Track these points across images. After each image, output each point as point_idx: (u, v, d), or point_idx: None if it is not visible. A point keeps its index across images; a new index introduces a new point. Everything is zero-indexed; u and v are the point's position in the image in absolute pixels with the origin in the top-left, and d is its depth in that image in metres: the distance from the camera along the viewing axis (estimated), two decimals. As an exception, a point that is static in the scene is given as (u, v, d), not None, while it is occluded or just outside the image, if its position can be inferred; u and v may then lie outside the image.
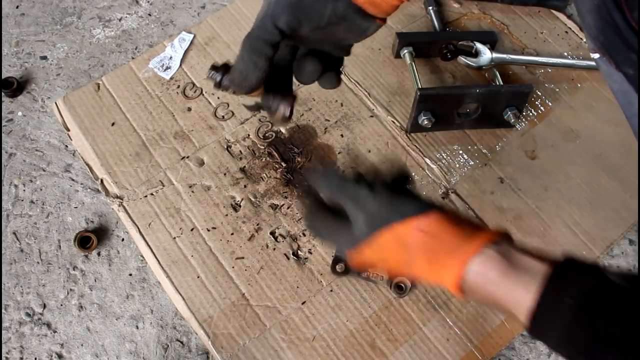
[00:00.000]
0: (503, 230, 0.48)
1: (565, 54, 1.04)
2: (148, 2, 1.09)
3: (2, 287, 0.82)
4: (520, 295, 0.44)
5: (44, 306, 0.82)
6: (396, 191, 0.49)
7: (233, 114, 0.94)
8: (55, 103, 0.94)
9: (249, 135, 0.92)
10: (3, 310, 0.81)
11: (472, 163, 0.92)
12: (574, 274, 0.43)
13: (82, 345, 0.79)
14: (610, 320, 0.41)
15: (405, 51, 0.98)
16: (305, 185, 0.56)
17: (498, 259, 0.45)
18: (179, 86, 0.96)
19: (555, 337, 0.43)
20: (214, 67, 0.55)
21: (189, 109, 0.94)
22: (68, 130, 0.92)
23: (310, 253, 0.84)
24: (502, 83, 0.96)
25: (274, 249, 0.84)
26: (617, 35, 0.56)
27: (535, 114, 0.97)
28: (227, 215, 0.86)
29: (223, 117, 0.94)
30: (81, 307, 0.82)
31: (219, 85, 0.55)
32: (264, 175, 0.89)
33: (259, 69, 0.49)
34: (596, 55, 0.61)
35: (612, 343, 0.41)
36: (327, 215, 0.53)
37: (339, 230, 0.51)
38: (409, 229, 0.47)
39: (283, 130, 0.93)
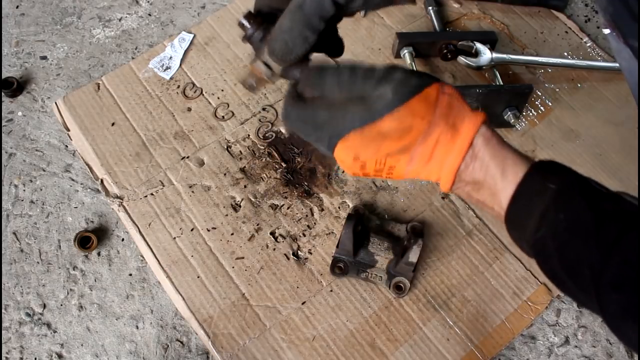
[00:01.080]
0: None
1: (565, 54, 1.04)
2: (148, 2, 1.09)
3: (2, 287, 0.82)
4: (510, 173, 0.47)
5: (44, 306, 0.82)
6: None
7: (233, 114, 0.94)
8: (55, 103, 0.94)
9: (249, 135, 0.92)
10: (3, 310, 0.81)
11: (472, 163, 0.92)
12: (558, 167, 0.47)
13: (82, 345, 0.79)
14: (586, 208, 0.44)
15: (405, 51, 0.98)
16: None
17: (490, 136, 0.48)
18: (179, 86, 0.96)
19: (534, 220, 0.46)
20: (249, 17, 0.50)
21: (189, 109, 0.94)
22: (68, 130, 0.92)
23: (310, 253, 0.84)
24: (502, 83, 0.96)
25: (274, 249, 0.84)
26: (625, 6, 0.57)
27: (535, 114, 0.97)
28: (227, 215, 0.86)
29: (223, 117, 0.94)
30: (81, 307, 0.82)
31: (248, 38, 0.51)
32: (264, 175, 0.89)
33: (308, 43, 0.48)
34: (607, 31, 0.62)
35: (584, 230, 0.43)
36: (324, 100, 0.50)
37: (348, 106, 0.48)
38: (436, 90, 0.48)
39: (283, 130, 0.93)
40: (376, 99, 0.47)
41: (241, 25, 0.51)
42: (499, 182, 0.48)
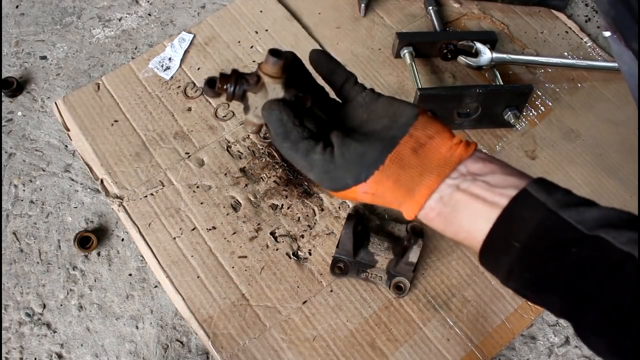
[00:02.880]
0: (456, 155, 0.47)
1: (565, 54, 1.04)
2: (148, 2, 1.09)
3: (2, 287, 0.82)
4: (468, 237, 0.46)
5: (44, 306, 0.81)
6: (338, 143, 0.48)
7: (233, 114, 0.94)
8: (55, 103, 0.94)
9: (249, 135, 0.92)
10: (3, 310, 0.80)
11: (472, 163, 0.92)
12: (529, 211, 0.43)
13: (82, 345, 0.79)
14: (554, 265, 0.42)
15: (405, 51, 0.98)
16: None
17: (439, 210, 0.46)
18: (179, 86, 0.96)
19: (502, 273, 0.45)
20: (221, 80, 0.51)
21: (189, 109, 0.94)
22: (68, 130, 0.92)
23: (310, 253, 0.84)
24: (502, 83, 0.96)
25: (275, 249, 0.84)
26: (627, 9, 0.57)
27: (535, 114, 0.97)
28: (227, 215, 0.86)
29: (223, 117, 0.94)
30: (81, 307, 0.82)
31: (231, 97, 0.51)
32: (264, 175, 0.89)
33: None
34: (607, 34, 0.62)
35: (554, 286, 0.42)
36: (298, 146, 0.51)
37: (306, 168, 0.51)
38: (355, 193, 0.49)
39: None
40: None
41: (222, 89, 0.51)
42: (462, 242, 0.48)
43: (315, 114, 0.54)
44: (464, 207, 0.45)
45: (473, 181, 0.46)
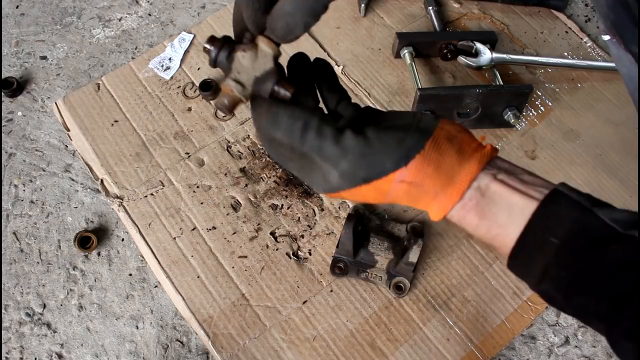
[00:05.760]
0: (488, 150, 0.46)
1: (565, 54, 1.04)
2: (148, 2, 1.09)
3: (2, 287, 0.82)
4: (501, 233, 0.44)
5: (44, 306, 0.82)
6: (370, 129, 0.45)
7: (233, 114, 0.94)
8: (55, 103, 0.94)
9: (249, 135, 0.92)
10: (3, 310, 0.81)
11: (472, 163, 0.92)
12: (567, 208, 0.42)
13: (82, 345, 0.79)
14: (593, 263, 0.40)
15: (405, 51, 0.98)
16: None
17: (477, 201, 0.44)
18: (179, 86, 0.96)
19: (535, 274, 0.43)
20: (212, 41, 0.47)
21: (189, 109, 0.94)
22: (68, 130, 0.92)
23: (310, 253, 0.84)
24: (502, 83, 0.96)
25: (275, 249, 0.84)
26: (627, 12, 0.56)
27: (535, 114, 0.97)
28: (227, 215, 0.86)
29: (223, 117, 0.94)
30: (81, 307, 0.82)
31: (214, 61, 0.48)
32: (264, 175, 0.89)
33: (308, 26, 0.45)
34: (607, 37, 0.62)
35: (591, 286, 0.40)
36: (293, 153, 0.47)
37: (311, 173, 0.47)
38: (390, 182, 0.45)
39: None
40: (328, 173, 0.45)
41: (206, 50, 0.48)
42: (491, 240, 0.45)
43: (336, 113, 0.51)
44: (500, 199, 0.44)
45: (508, 175, 0.45)
